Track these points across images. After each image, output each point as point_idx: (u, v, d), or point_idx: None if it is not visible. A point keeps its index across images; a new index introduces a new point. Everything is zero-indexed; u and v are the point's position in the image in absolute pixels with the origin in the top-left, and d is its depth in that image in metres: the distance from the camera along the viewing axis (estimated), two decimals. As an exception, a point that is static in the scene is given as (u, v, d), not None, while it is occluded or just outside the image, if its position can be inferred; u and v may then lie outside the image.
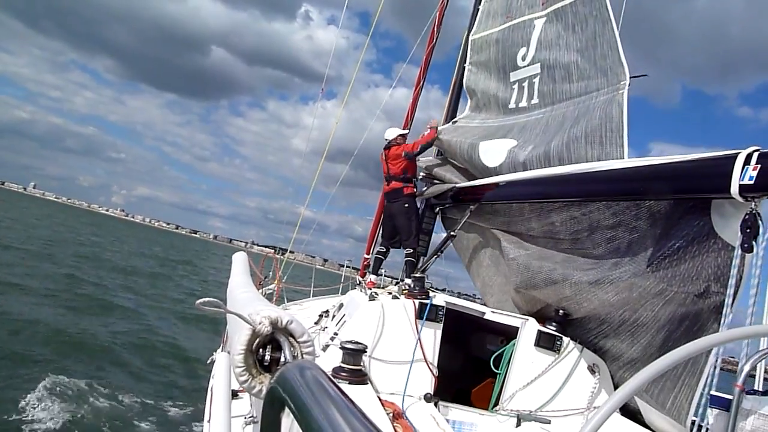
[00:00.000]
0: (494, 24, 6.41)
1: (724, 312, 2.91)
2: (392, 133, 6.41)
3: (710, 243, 3.18)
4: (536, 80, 5.45)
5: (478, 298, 6.01)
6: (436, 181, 6.45)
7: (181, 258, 47.06)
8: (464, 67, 6.87)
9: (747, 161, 2.80)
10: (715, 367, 2.89)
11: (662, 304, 3.50)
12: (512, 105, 5.81)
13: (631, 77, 4.46)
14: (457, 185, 6.03)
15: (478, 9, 6.91)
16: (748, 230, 2.83)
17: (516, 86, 5.79)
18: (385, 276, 6.34)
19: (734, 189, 2.81)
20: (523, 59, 5.65)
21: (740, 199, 2.82)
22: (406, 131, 6.66)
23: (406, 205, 6.19)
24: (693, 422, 3.22)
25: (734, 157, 2.86)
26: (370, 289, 4.91)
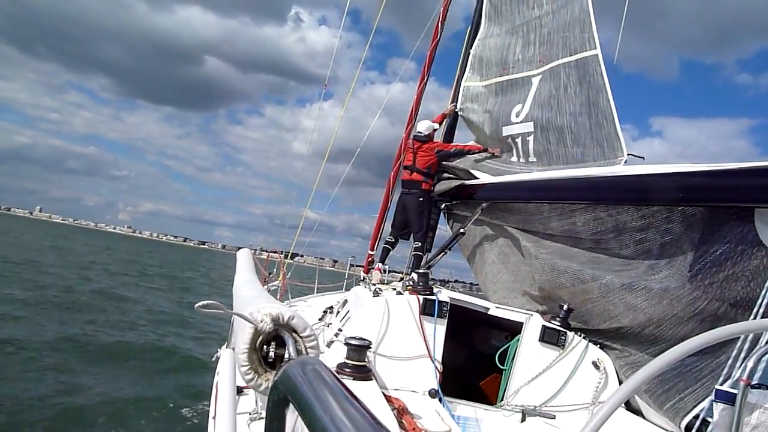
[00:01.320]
0: (489, 74, 6.46)
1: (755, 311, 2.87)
2: (426, 125, 6.50)
3: (754, 251, 3.12)
4: (530, 138, 5.46)
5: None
6: (443, 176, 6.43)
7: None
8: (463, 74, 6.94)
9: None
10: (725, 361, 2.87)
11: (692, 314, 3.44)
12: (513, 158, 5.86)
13: (628, 154, 4.46)
14: (466, 182, 6.01)
15: (468, 53, 6.93)
16: None
17: (510, 140, 5.82)
18: (389, 271, 6.35)
19: None
20: (517, 116, 5.65)
21: None
22: (437, 126, 6.71)
23: (420, 199, 6.25)
24: (696, 417, 3.21)
25: None
26: (379, 273, 4.93)
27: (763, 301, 2.80)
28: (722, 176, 3.25)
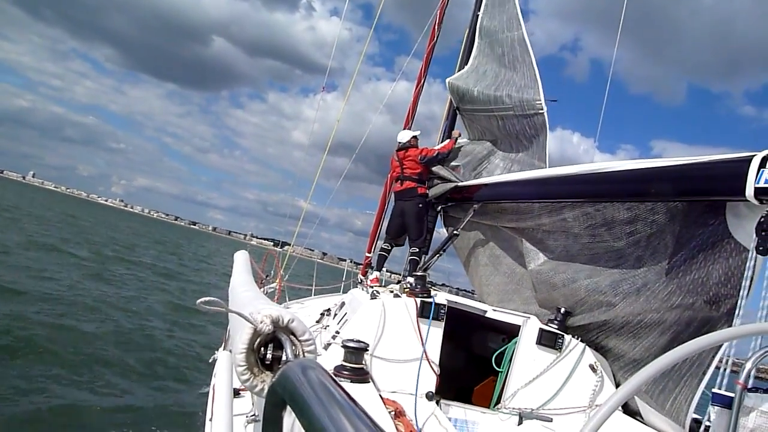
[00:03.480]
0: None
1: (735, 314, 2.89)
2: (406, 135, 6.54)
3: (724, 244, 3.15)
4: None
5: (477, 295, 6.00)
6: (437, 181, 6.45)
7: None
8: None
9: (763, 164, 2.73)
10: (719, 366, 2.88)
11: (671, 306, 3.48)
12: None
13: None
14: (458, 183, 6.03)
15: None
16: (763, 233, 2.77)
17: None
18: (386, 271, 6.36)
19: (749, 192, 2.74)
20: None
21: (755, 202, 2.76)
22: (418, 132, 6.73)
23: (420, 205, 6.25)
24: (693, 420, 3.23)
25: (749, 159, 2.79)
26: (374, 285, 4.92)
27: (742, 302, 2.82)
28: (693, 169, 3.27)
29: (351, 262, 7.89)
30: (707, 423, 2.59)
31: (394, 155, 6.54)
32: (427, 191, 6.36)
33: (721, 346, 2.93)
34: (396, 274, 6.46)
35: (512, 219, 5.24)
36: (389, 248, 6.73)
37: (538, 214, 4.79)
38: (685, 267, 3.40)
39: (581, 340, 4.07)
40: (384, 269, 6.60)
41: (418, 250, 6.28)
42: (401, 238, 6.65)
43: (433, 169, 6.35)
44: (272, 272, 7.91)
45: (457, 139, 6.56)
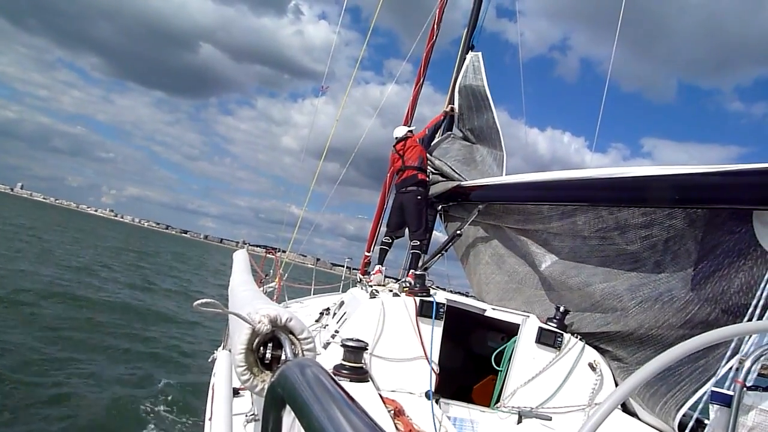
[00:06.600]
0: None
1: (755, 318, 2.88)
2: (402, 130, 6.73)
3: (750, 251, 3.12)
4: None
5: (471, 296, 5.98)
6: (439, 178, 6.44)
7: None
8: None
9: None
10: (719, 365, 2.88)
11: (687, 314, 3.45)
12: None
13: None
14: (462, 183, 6.01)
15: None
16: None
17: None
18: (385, 276, 6.34)
19: None
20: None
21: None
22: (413, 128, 6.91)
23: (419, 197, 6.28)
24: (687, 416, 3.23)
25: None
26: (377, 277, 4.94)
27: (758, 302, 2.80)
28: (720, 178, 3.25)
29: (349, 266, 7.87)
30: (699, 416, 2.60)
31: (393, 150, 6.58)
32: (427, 180, 6.39)
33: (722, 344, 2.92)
34: (392, 278, 6.43)
35: (519, 220, 5.19)
36: (390, 241, 6.75)
37: (548, 216, 4.74)
38: (709, 274, 3.36)
39: (581, 339, 4.06)
40: (385, 268, 6.61)
41: (419, 243, 6.27)
42: (401, 230, 6.68)
43: (436, 163, 6.38)
44: (272, 271, 7.90)
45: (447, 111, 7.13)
